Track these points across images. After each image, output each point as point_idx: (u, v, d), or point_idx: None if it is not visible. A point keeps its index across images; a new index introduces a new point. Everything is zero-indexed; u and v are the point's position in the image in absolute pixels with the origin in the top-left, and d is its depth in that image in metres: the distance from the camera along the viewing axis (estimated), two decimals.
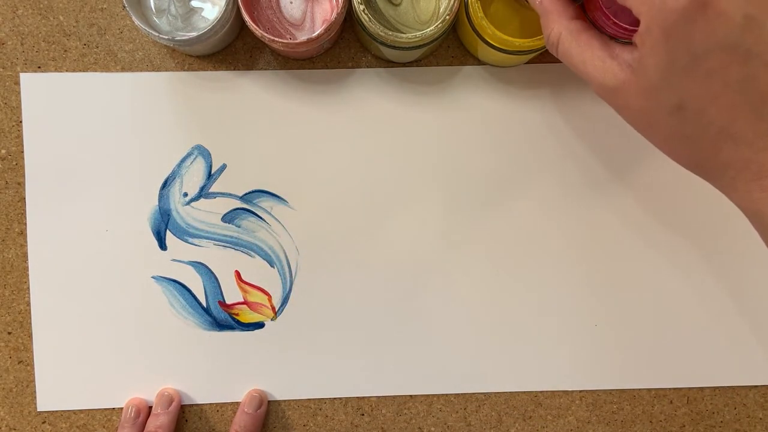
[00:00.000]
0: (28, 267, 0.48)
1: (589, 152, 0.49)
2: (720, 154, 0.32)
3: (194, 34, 0.42)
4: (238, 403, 0.49)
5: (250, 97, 0.48)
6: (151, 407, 0.48)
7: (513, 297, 0.49)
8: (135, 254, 0.48)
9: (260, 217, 0.48)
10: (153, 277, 0.48)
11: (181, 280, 0.48)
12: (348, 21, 0.48)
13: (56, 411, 0.48)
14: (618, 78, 0.33)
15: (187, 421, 0.49)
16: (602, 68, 0.34)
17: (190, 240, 0.48)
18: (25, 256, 0.48)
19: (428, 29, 0.42)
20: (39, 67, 0.48)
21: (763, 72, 0.30)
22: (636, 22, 0.46)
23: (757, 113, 0.31)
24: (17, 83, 0.48)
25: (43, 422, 0.48)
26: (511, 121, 0.49)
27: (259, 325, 0.49)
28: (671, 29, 0.30)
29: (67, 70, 0.48)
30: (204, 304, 0.48)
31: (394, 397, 0.49)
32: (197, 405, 0.49)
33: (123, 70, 0.48)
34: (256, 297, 0.49)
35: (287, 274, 0.49)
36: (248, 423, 0.47)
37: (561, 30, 0.36)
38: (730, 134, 0.32)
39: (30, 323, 0.48)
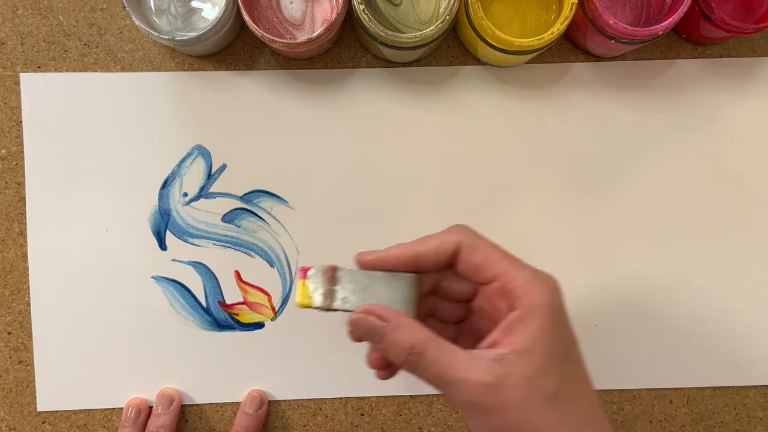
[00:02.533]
0: (28, 267, 0.48)
1: (589, 152, 0.49)
2: None
3: (194, 34, 0.42)
4: (238, 403, 0.48)
5: (250, 97, 0.48)
6: (151, 407, 0.48)
7: None
8: (135, 254, 0.48)
9: (260, 217, 0.48)
10: (153, 277, 0.48)
11: (181, 280, 0.48)
12: (348, 21, 0.48)
13: (56, 411, 0.48)
14: (494, 372, 0.30)
15: (187, 421, 0.49)
16: (476, 367, 0.30)
17: (190, 240, 0.48)
18: (25, 256, 0.48)
19: (428, 29, 0.42)
20: (39, 67, 0.48)
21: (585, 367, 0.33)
22: (636, 21, 0.46)
23: (599, 404, 0.33)
24: (17, 83, 0.48)
25: (43, 422, 0.48)
26: (511, 121, 0.49)
27: (259, 325, 0.49)
28: (557, 313, 0.32)
29: (67, 70, 0.48)
30: (204, 304, 0.48)
31: (394, 397, 0.49)
32: (197, 405, 0.49)
33: (123, 70, 0.48)
34: (256, 297, 0.49)
35: (287, 274, 0.49)
36: (249, 423, 0.47)
37: (427, 336, 0.32)
38: (590, 422, 0.32)
39: (30, 323, 0.48)
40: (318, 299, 0.34)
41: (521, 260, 0.34)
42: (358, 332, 0.34)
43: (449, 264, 0.34)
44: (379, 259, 0.35)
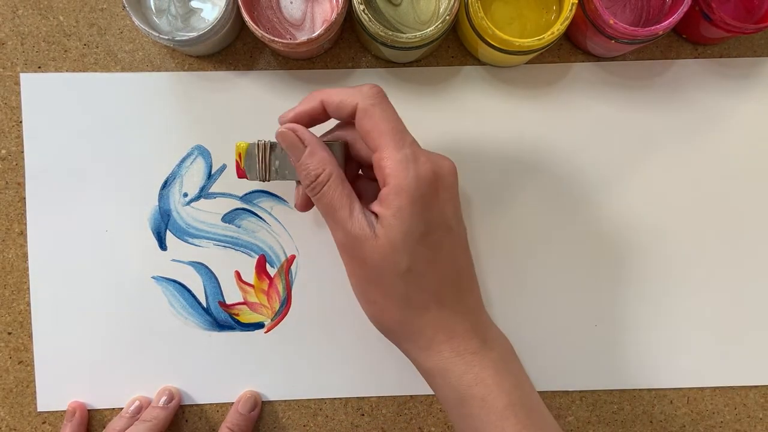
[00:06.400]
0: (28, 267, 0.48)
1: (589, 152, 0.49)
2: (425, 315, 0.36)
3: (194, 34, 0.42)
4: None
5: (250, 97, 0.48)
6: None
7: (512, 296, 0.49)
8: (135, 254, 0.48)
9: (260, 217, 0.48)
10: (153, 278, 0.48)
11: (181, 280, 0.48)
12: (348, 21, 0.48)
13: (56, 411, 0.48)
14: (365, 232, 0.35)
15: (187, 421, 0.49)
16: (353, 221, 0.36)
17: (190, 240, 0.48)
18: (25, 256, 0.48)
19: (428, 29, 0.42)
20: (39, 67, 0.48)
21: (461, 252, 0.38)
22: (636, 21, 0.46)
23: (456, 283, 0.37)
24: (17, 83, 0.48)
25: (43, 422, 0.48)
26: (512, 121, 0.49)
27: (259, 325, 0.49)
28: (418, 198, 0.35)
29: (67, 70, 0.48)
30: (204, 304, 0.48)
31: (394, 397, 0.49)
32: (197, 405, 0.49)
33: (123, 70, 0.48)
34: (255, 297, 0.49)
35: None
36: (242, 423, 0.47)
37: (333, 171, 0.37)
38: (437, 298, 0.36)
39: (30, 323, 0.48)
40: (254, 173, 0.40)
41: (408, 139, 0.36)
42: (284, 143, 0.38)
43: (352, 119, 0.37)
44: (297, 113, 0.38)
